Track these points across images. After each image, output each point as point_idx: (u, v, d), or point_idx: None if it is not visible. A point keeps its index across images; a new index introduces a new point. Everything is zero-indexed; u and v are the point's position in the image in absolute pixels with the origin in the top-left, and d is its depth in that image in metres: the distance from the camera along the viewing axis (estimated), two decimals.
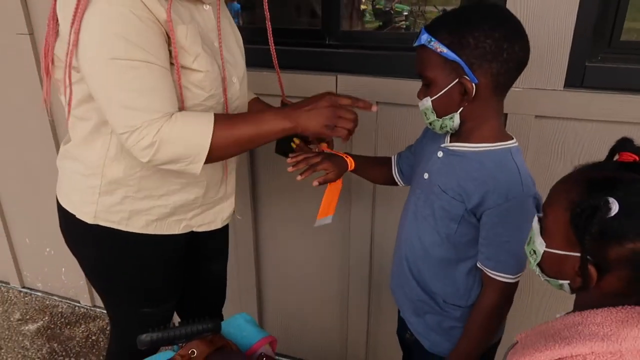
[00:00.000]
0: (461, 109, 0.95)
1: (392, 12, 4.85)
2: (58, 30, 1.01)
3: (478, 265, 1.02)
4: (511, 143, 0.98)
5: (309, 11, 1.64)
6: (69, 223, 1.19)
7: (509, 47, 0.90)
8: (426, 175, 1.07)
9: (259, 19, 1.80)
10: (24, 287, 2.54)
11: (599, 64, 1.35)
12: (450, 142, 1.03)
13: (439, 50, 0.91)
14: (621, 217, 0.63)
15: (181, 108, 1.02)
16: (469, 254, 1.04)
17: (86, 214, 1.14)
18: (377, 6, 4.59)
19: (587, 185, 0.69)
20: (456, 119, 0.97)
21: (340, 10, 1.62)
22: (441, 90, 0.94)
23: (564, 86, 1.34)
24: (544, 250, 0.74)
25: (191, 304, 1.48)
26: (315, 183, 1.17)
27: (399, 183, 1.29)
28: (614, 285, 0.67)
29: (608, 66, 1.34)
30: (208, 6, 1.09)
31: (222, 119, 1.02)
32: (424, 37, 0.93)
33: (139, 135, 0.95)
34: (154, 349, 1.17)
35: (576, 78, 1.34)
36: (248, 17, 2.19)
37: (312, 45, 1.63)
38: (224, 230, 1.39)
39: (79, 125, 1.09)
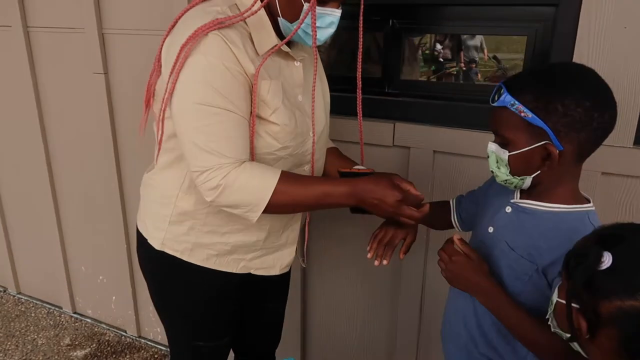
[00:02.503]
0: (538, 172, 0.92)
1: (442, 59, 4.90)
2: (161, 71, 1.12)
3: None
4: (588, 207, 0.94)
5: (368, 58, 1.67)
6: (141, 247, 1.27)
7: (599, 117, 0.85)
8: (491, 229, 1.03)
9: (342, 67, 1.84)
10: (75, 313, 2.61)
11: None
12: (521, 198, 0.99)
13: (522, 114, 0.87)
14: (613, 272, 0.64)
15: (251, 155, 1.08)
16: None
17: (156, 240, 1.21)
18: (426, 52, 4.66)
19: (595, 238, 0.70)
20: (527, 181, 0.93)
21: (401, 60, 1.65)
22: (520, 150, 0.90)
23: (634, 143, 1.30)
24: (556, 300, 0.76)
25: (246, 341, 1.50)
26: (402, 256, 1.16)
27: (457, 229, 1.26)
28: (607, 345, 0.66)
29: None
30: (299, 63, 1.15)
31: (289, 177, 1.06)
32: (507, 99, 0.88)
33: (208, 176, 1.02)
34: None
35: None
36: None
37: (372, 92, 1.66)
38: (287, 274, 1.40)
39: (163, 156, 1.18)
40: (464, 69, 4.92)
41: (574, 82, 0.88)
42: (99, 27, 1.94)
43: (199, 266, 1.20)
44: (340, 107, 1.38)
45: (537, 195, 0.96)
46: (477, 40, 5.01)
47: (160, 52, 1.11)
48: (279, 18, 1.06)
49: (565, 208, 0.93)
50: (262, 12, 1.05)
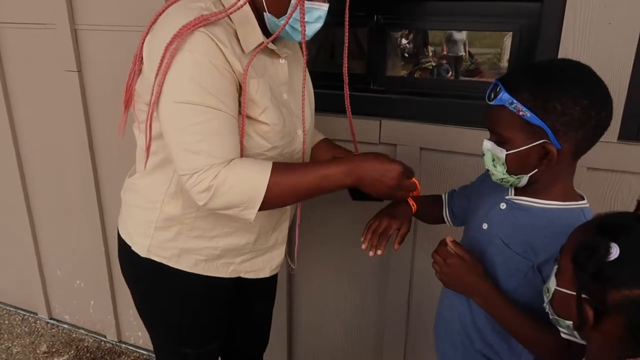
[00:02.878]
0: (535, 170, 0.91)
1: (407, 54, 4.93)
2: (141, 69, 1.06)
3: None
4: (583, 204, 0.94)
5: (350, 54, 1.66)
6: (124, 253, 1.22)
7: (596, 115, 0.85)
8: (485, 226, 1.03)
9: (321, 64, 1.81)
10: (51, 318, 2.53)
11: None
12: (516, 194, 0.99)
13: (521, 113, 0.86)
14: (620, 263, 0.66)
15: (241, 154, 1.04)
16: None
17: (140, 247, 1.16)
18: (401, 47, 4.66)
19: (597, 229, 0.73)
20: (524, 180, 0.93)
21: (385, 56, 1.64)
22: (518, 149, 0.90)
23: (618, 138, 1.31)
24: (555, 289, 0.78)
25: (233, 344, 1.47)
26: (396, 246, 1.14)
27: (449, 224, 1.26)
28: (613, 331, 0.69)
29: None
30: (284, 60, 1.12)
31: (281, 168, 1.02)
32: (505, 98, 0.87)
33: (197, 178, 0.97)
34: None
35: (631, 130, 1.31)
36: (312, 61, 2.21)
37: (357, 89, 1.63)
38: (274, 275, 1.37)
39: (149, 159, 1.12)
40: (434, 64, 4.97)
41: (572, 80, 0.87)
42: (71, 23, 1.87)
43: (186, 272, 1.16)
44: (323, 104, 1.35)
45: (532, 192, 0.95)
46: (462, 35, 5.06)
47: (141, 50, 1.05)
48: (264, 13, 1.03)
49: (561, 205, 0.93)
50: (247, 7, 1.01)
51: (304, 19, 0.98)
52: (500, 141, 0.92)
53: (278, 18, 1.02)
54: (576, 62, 0.92)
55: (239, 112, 1.02)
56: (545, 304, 0.82)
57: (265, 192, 0.98)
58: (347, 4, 1.10)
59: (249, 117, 1.03)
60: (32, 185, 2.30)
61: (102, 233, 2.16)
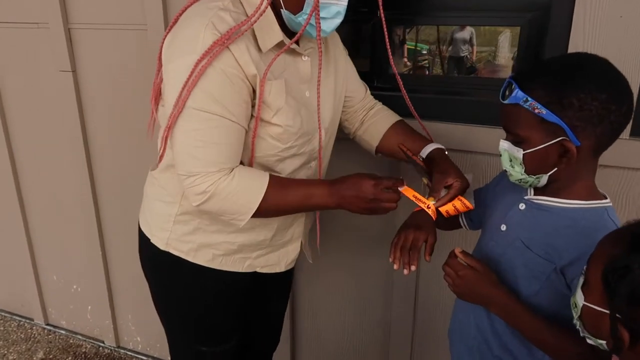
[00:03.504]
0: (555, 169, 0.87)
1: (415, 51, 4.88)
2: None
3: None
4: (606, 202, 0.91)
5: (357, 52, 1.62)
6: (144, 246, 1.24)
7: (616, 110, 0.82)
8: (504, 227, 0.99)
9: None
10: (48, 324, 2.48)
11: None
12: (535, 194, 0.95)
13: (536, 111, 0.82)
14: None
15: (251, 157, 1.05)
16: None
17: (160, 240, 1.18)
18: (407, 46, 4.62)
19: (630, 242, 0.65)
20: (543, 180, 0.89)
21: (389, 53, 1.60)
22: (535, 148, 0.86)
23: (630, 135, 1.28)
24: (583, 304, 0.72)
25: (245, 342, 1.45)
26: (428, 258, 1.07)
27: (465, 228, 1.22)
28: None
29: None
30: (307, 57, 1.09)
31: (275, 185, 1.04)
32: (519, 96, 0.84)
33: (194, 181, 0.99)
34: None
35: None
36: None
37: None
38: (289, 272, 1.37)
39: (168, 154, 1.12)
40: (431, 59, 4.90)
41: (588, 74, 0.83)
42: (65, 22, 1.82)
43: (203, 267, 1.17)
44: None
45: (553, 192, 0.92)
46: (467, 32, 5.00)
47: (161, 51, 1.06)
48: (281, 10, 1.00)
49: (583, 204, 0.90)
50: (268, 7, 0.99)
51: (318, 14, 0.96)
52: (517, 141, 0.89)
53: (295, 14, 0.99)
54: (592, 55, 0.88)
55: (252, 115, 1.01)
56: (575, 321, 0.76)
57: (258, 207, 1.03)
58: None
59: (262, 120, 1.02)
60: (26, 188, 2.25)
61: (98, 236, 2.12)
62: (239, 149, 1.03)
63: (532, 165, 0.88)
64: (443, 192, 1.09)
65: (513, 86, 0.85)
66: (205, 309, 1.24)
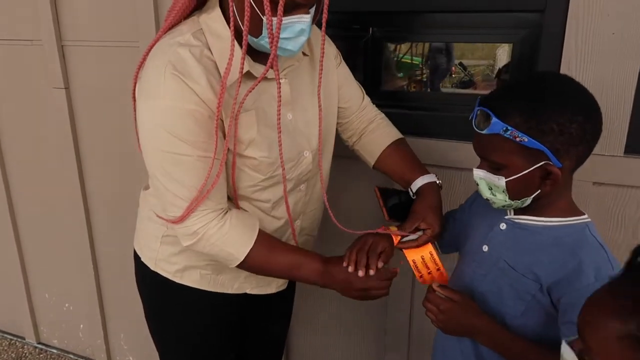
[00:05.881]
0: (538, 191, 0.86)
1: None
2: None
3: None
4: (585, 218, 0.90)
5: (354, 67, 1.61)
6: (137, 265, 1.24)
7: (592, 128, 0.83)
8: (486, 248, 0.97)
9: None
10: (39, 343, 2.44)
11: None
12: (516, 213, 0.94)
13: (518, 139, 0.81)
14: None
15: (233, 189, 1.03)
16: None
17: (149, 260, 1.18)
18: (403, 60, 4.62)
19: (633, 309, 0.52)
20: (527, 202, 0.88)
21: (381, 70, 1.59)
22: (518, 174, 0.85)
23: (624, 152, 1.27)
24: None
25: None
26: (380, 265, 1.04)
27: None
28: None
29: None
30: (284, 79, 1.05)
31: (264, 243, 1.03)
32: (498, 126, 0.82)
33: (185, 223, 0.99)
34: None
35: (637, 144, 1.27)
36: None
37: None
38: (290, 292, 1.36)
39: None
40: (425, 78, 4.89)
41: (562, 97, 0.83)
42: (58, 39, 1.81)
43: (192, 288, 1.16)
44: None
45: (533, 210, 0.91)
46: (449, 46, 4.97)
47: (134, 88, 1.03)
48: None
49: (564, 221, 0.89)
50: (229, 36, 0.93)
51: (278, 35, 0.87)
52: (495, 168, 0.87)
53: (256, 38, 0.93)
54: (556, 74, 0.91)
55: (229, 149, 0.98)
56: None
57: (243, 261, 1.02)
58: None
59: (237, 153, 1.00)
60: (18, 206, 2.23)
61: (91, 254, 2.09)
62: (224, 184, 1.00)
63: (515, 191, 0.87)
64: (413, 236, 1.08)
65: (490, 115, 0.83)
66: (197, 330, 1.22)
